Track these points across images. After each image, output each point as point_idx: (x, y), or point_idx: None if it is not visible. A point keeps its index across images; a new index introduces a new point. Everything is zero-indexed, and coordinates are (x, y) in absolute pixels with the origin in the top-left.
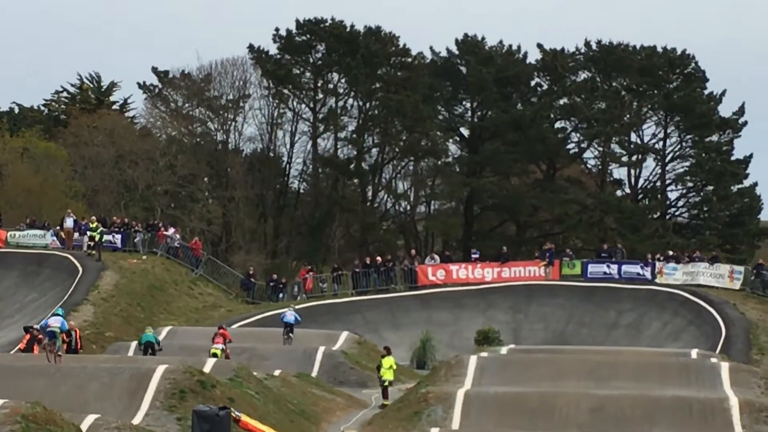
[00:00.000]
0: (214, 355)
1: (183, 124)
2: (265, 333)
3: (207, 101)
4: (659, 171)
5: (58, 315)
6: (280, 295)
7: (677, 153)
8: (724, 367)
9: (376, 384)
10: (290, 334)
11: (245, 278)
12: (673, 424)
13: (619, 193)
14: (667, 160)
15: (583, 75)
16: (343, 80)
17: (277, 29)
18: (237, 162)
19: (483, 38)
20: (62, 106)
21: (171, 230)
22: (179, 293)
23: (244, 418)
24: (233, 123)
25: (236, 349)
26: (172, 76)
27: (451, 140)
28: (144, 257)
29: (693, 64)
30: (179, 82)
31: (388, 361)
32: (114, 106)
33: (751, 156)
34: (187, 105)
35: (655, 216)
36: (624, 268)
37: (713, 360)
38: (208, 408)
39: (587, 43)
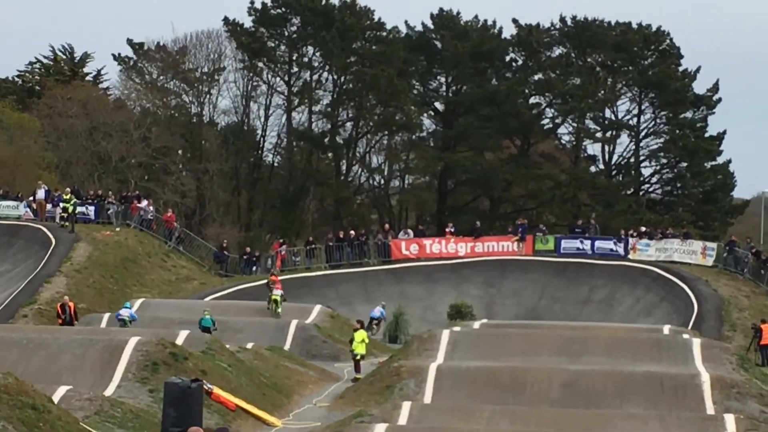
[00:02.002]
0: (275, 301)
1: (157, 97)
2: (238, 306)
3: (182, 74)
4: (633, 147)
5: (126, 307)
6: (254, 268)
7: (651, 129)
8: (696, 343)
9: (348, 358)
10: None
11: (219, 251)
12: (644, 400)
13: (592, 168)
14: (641, 136)
15: (557, 51)
16: (317, 54)
17: (252, 2)
18: (211, 135)
19: (458, 13)
20: (36, 78)
21: (144, 202)
22: (152, 266)
23: (217, 390)
24: (208, 96)
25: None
26: (147, 48)
27: (425, 115)
28: (117, 229)
29: (668, 41)
30: (154, 54)
31: (360, 335)
32: (88, 78)
33: (724, 133)
34: (161, 77)
35: (628, 192)
36: (597, 243)
37: (685, 336)
38: (181, 380)
39: (562, 19)
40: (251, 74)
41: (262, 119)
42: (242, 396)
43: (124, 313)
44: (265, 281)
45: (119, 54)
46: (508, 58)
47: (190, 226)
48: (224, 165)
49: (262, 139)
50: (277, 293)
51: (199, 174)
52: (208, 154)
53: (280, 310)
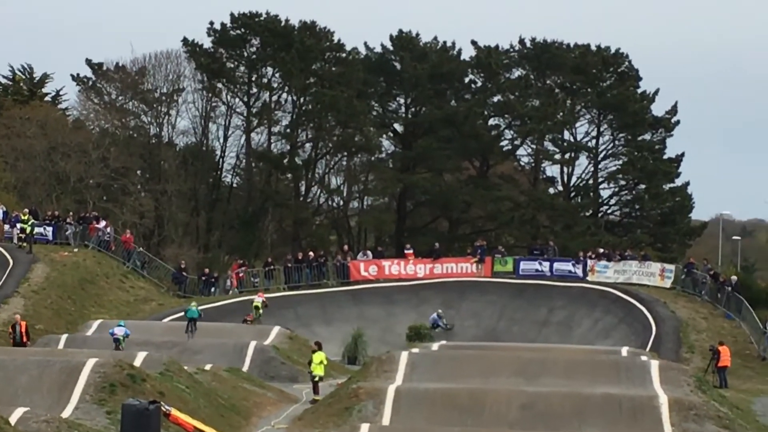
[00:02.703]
0: (256, 307)
1: (116, 117)
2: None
3: (141, 94)
4: (592, 169)
5: (120, 326)
6: (212, 289)
7: (610, 151)
8: (654, 365)
9: (307, 379)
10: (193, 328)
11: (177, 272)
12: (602, 422)
13: (551, 190)
14: (599, 158)
15: (517, 72)
16: (277, 75)
17: (211, 23)
18: (170, 155)
19: (417, 34)
20: None
21: (102, 223)
22: (110, 286)
23: (174, 412)
24: (167, 116)
25: (167, 343)
26: (106, 69)
27: (384, 136)
28: (75, 250)
29: (626, 63)
30: (113, 75)
31: (318, 357)
32: (47, 98)
33: (683, 155)
34: (120, 98)
35: (587, 214)
36: (556, 265)
37: (643, 358)
38: (138, 402)
39: (521, 41)
40: (210, 95)
41: (221, 140)
42: (200, 418)
43: (119, 332)
44: (222, 302)
45: (78, 74)
46: (467, 80)
47: (148, 247)
48: (183, 186)
49: (221, 159)
50: (258, 300)
51: (157, 195)
52: (167, 174)
53: (260, 315)
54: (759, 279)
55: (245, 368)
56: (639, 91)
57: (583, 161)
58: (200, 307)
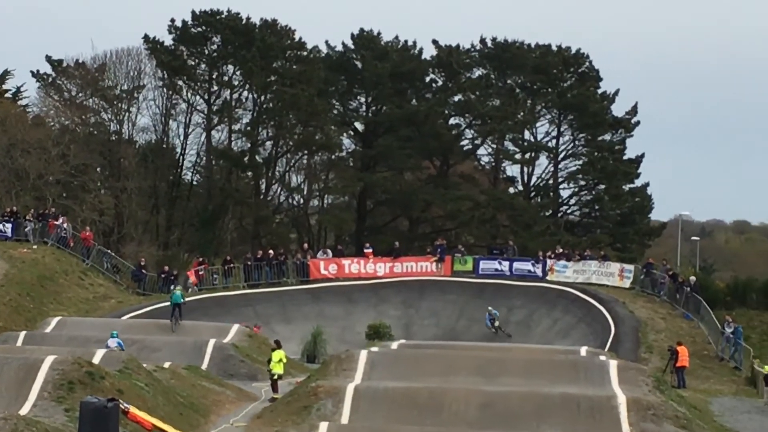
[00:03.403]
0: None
1: (76, 114)
2: (155, 325)
3: (101, 91)
4: (552, 169)
5: (113, 337)
6: (172, 287)
7: (570, 151)
8: (613, 365)
9: (266, 377)
10: (178, 315)
11: (137, 269)
12: (561, 422)
13: (511, 190)
14: (559, 158)
15: (477, 72)
16: (238, 72)
17: (172, 20)
18: (130, 153)
19: (378, 33)
20: None
21: (61, 220)
22: (69, 284)
23: (133, 410)
24: (127, 113)
25: (126, 341)
26: (66, 65)
27: (345, 135)
28: (34, 247)
29: (587, 64)
30: (73, 71)
31: (277, 355)
32: (6, 95)
33: (642, 156)
34: (80, 94)
35: (547, 214)
36: (515, 265)
37: (602, 358)
38: (97, 399)
39: (482, 41)
40: (171, 92)
41: (182, 137)
42: (159, 415)
43: (112, 343)
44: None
45: (38, 71)
46: (428, 79)
47: (108, 245)
48: (143, 183)
49: (181, 157)
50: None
51: (117, 192)
52: (127, 172)
53: None
54: (717, 279)
55: (204, 366)
56: (599, 91)
57: (543, 161)
58: (159, 306)
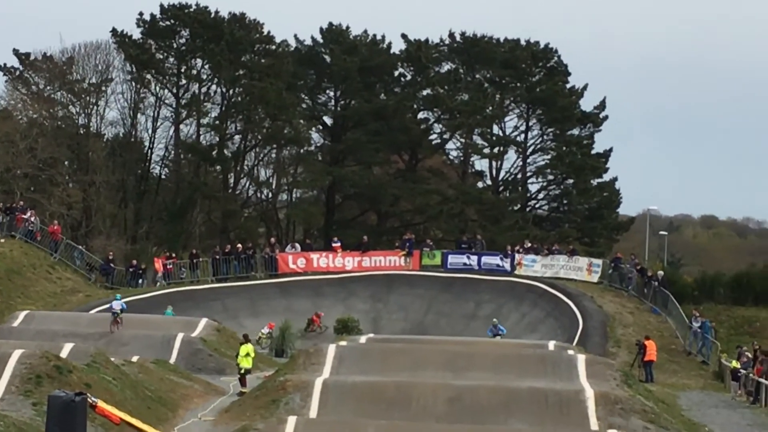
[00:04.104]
0: (260, 338)
1: (44, 107)
2: (124, 319)
3: (69, 84)
4: (520, 163)
5: (117, 300)
6: (140, 281)
7: (538, 146)
8: (581, 359)
9: (234, 371)
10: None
11: (105, 263)
12: (529, 416)
13: (480, 184)
14: (528, 152)
15: (446, 66)
16: (206, 66)
17: (141, 13)
18: (98, 146)
19: (347, 27)
20: None
21: (29, 213)
22: (37, 277)
23: (101, 404)
24: (95, 107)
25: (94, 335)
26: (34, 59)
27: (313, 129)
28: (2, 241)
29: (555, 58)
30: (41, 65)
31: (245, 349)
32: None
33: (611, 150)
34: (48, 88)
35: (515, 208)
36: (483, 259)
37: (570, 352)
38: (64, 393)
39: (451, 35)
40: (139, 86)
41: (150, 131)
42: (127, 409)
43: (116, 305)
44: (150, 294)
45: (5, 64)
46: (396, 73)
47: (76, 238)
48: (111, 177)
49: (149, 151)
50: (265, 330)
51: (85, 186)
52: (95, 165)
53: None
54: (685, 274)
55: (172, 360)
56: (568, 86)
57: (511, 155)
58: (127, 299)
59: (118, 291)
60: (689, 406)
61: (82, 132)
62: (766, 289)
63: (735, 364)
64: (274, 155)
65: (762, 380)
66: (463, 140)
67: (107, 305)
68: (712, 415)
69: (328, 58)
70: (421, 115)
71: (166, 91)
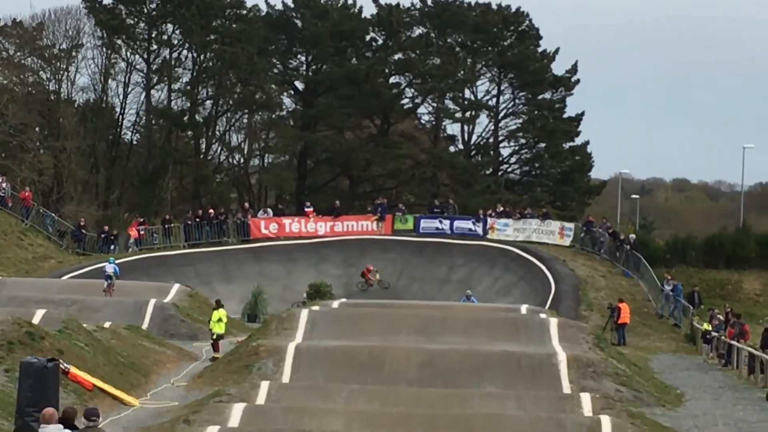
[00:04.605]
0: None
1: (14, 73)
2: (95, 285)
3: (39, 50)
4: (492, 127)
5: (111, 263)
6: (112, 247)
7: (510, 110)
8: (553, 322)
9: (207, 337)
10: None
11: (76, 229)
12: (501, 379)
13: (452, 149)
14: (500, 116)
15: (418, 30)
16: (177, 31)
17: None
18: (69, 112)
19: None
20: None
21: (0, 180)
22: (8, 244)
23: (73, 370)
24: (66, 73)
25: (66, 301)
26: (4, 24)
27: (285, 94)
28: None
29: (527, 22)
30: (11, 31)
31: (217, 314)
32: None
33: (582, 114)
34: (18, 54)
35: (487, 172)
36: (456, 223)
37: (542, 316)
38: (36, 360)
39: None
40: (110, 51)
41: (121, 97)
42: (99, 375)
43: (109, 269)
44: (123, 260)
45: None
46: (368, 38)
47: (47, 204)
48: (82, 143)
49: (120, 116)
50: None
51: (56, 152)
52: (66, 131)
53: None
54: (657, 237)
55: (145, 326)
56: (539, 50)
57: (483, 120)
58: (99, 266)
59: (90, 257)
60: (661, 368)
61: (52, 98)
62: (737, 252)
63: (707, 326)
64: (245, 120)
65: (733, 343)
66: (434, 104)
67: (80, 270)
68: (684, 377)
69: (299, 23)
70: (392, 80)
71: (136, 56)
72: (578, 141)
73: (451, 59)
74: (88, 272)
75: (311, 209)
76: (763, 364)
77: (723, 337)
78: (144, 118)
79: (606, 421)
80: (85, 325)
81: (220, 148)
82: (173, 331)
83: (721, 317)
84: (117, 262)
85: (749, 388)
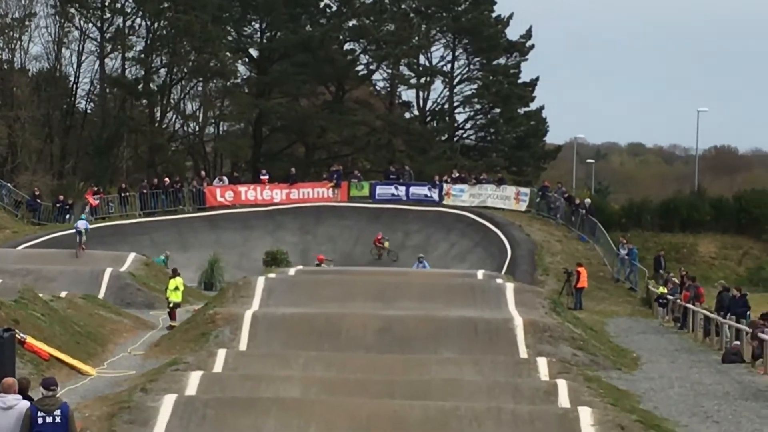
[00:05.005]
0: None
1: None
2: (51, 254)
3: None
4: (447, 93)
5: (82, 219)
6: (67, 216)
7: (465, 75)
8: (509, 287)
9: (163, 305)
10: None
11: (31, 199)
12: (459, 344)
13: (407, 115)
14: (455, 82)
15: None
16: None
17: None
18: (23, 81)
19: None
20: None
21: None
22: None
23: (29, 339)
24: (19, 42)
25: (21, 271)
26: None
27: (240, 61)
28: None
29: None
30: None
31: (174, 283)
32: None
33: (537, 79)
34: None
35: (442, 138)
36: (412, 189)
37: (499, 281)
38: None
39: None
40: (63, 20)
41: (75, 66)
42: (56, 345)
43: (81, 225)
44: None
45: None
46: (322, 4)
47: (1, 174)
48: (36, 112)
49: (74, 85)
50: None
51: (10, 121)
52: (20, 101)
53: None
54: (612, 202)
55: (101, 295)
56: (493, 15)
57: (438, 86)
58: (55, 235)
59: (46, 227)
60: (617, 332)
61: (5, 67)
62: (692, 215)
63: (662, 290)
64: (200, 88)
65: (689, 306)
66: (389, 71)
67: (36, 240)
68: (640, 341)
69: None
70: (347, 46)
71: (90, 24)
72: (533, 106)
73: (406, 25)
74: (44, 242)
75: (267, 177)
76: (718, 326)
77: (678, 301)
78: (98, 86)
79: (562, 384)
80: (41, 295)
81: (175, 117)
82: (130, 300)
83: (677, 280)
84: (72, 231)
85: (704, 350)
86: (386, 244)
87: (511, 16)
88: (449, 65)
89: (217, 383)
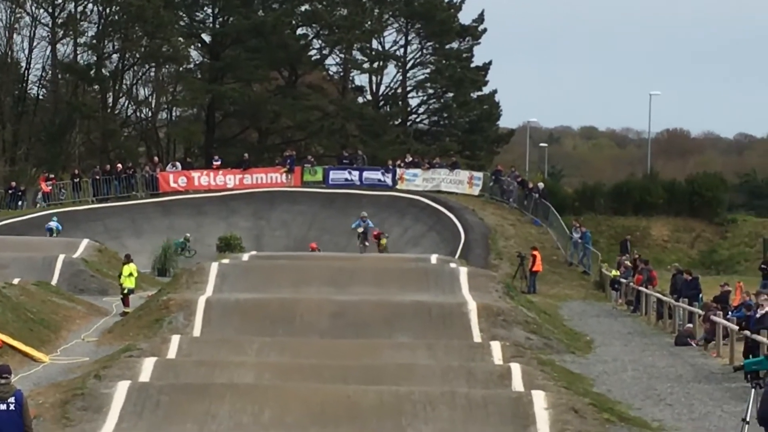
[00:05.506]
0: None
1: None
2: (3, 241)
3: None
4: (400, 78)
5: (54, 221)
6: (20, 203)
7: (418, 60)
8: (463, 272)
9: (117, 292)
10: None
11: None
12: (413, 329)
13: (360, 99)
14: (408, 67)
15: None
16: None
17: None
18: None
19: None
20: None
21: None
22: None
23: None
24: None
25: None
26: None
27: (192, 46)
28: None
29: None
30: None
31: (127, 269)
32: None
33: (490, 63)
34: None
35: (396, 123)
36: (365, 174)
37: (452, 265)
38: None
39: None
40: (14, 5)
41: (27, 51)
42: (8, 332)
43: (53, 224)
44: (30, 215)
45: None
46: None
47: None
48: None
49: (26, 71)
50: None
51: None
52: None
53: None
54: (566, 185)
55: (54, 282)
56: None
57: (391, 70)
58: (7, 221)
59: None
60: (571, 316)
61: None
62: (645, 198)
63: (615, 273)
64: (153, 74)
65: (641, 289)
66: (342, 55)
67: None
68: (594, 324)
69: None
70: (300, 31)
71: (42, 10)
72: (486, 90)
73: (358, 10)
74: None
75: (219, 162)
76: (671, 309)
77: (631, 284)
78: (50, 72)
79: (516, 368)
80: None
81: (127, 102)
82: (83, 286)
83: (629, 264)
84: (25, 218)
85: (657, 333)
86: (384, 241)
87: (463, 0)
88: (402, 50)
89: (171, 369)
